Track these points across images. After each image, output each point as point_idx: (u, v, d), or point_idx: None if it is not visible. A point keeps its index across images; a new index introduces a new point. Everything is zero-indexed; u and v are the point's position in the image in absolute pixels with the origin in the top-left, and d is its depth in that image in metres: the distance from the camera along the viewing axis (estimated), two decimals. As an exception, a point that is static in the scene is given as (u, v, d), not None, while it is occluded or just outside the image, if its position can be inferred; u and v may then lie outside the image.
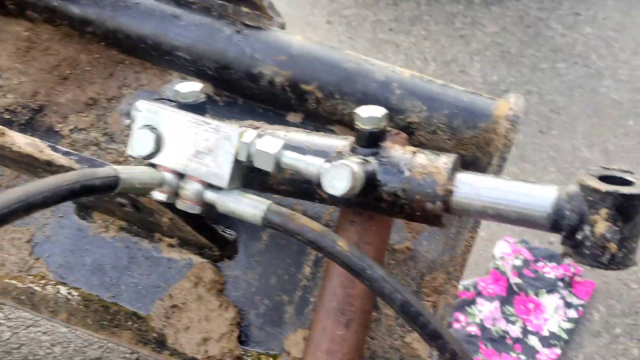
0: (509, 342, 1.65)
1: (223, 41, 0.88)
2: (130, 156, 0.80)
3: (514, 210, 0.61)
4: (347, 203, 0.69)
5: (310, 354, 0.71)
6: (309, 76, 0.86)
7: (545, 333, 1.67)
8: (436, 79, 0.87)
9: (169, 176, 0.69)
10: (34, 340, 1.44)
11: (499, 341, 1.65)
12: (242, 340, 0.86)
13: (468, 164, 0.88)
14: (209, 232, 0.84)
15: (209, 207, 0.71)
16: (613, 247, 0.55)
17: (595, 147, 2.54)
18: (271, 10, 0.90)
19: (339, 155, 0.67)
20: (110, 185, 0.58)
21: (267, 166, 0.64)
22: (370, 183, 0.64)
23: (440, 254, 0.86)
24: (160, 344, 0.84)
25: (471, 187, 0.62)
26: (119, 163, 0.93)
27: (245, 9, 0.90)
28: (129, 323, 0.87)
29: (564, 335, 1.66)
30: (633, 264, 0.58)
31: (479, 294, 1.75)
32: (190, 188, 0.68)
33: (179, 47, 0.89)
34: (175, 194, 0.70)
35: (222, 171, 0.66)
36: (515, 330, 1.68)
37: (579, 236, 0.57)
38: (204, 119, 0.68)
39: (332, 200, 0.69)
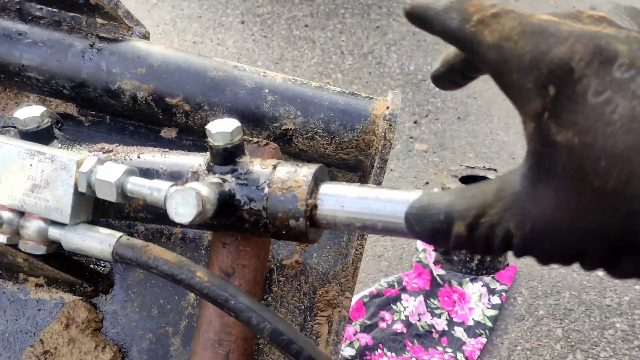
0: (435, 336, 1.65)
1: (75, 57, 0.81)
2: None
3: (379, 220, 0.58)
4: (209, 227, 0.64)
5: (188, 393, 0.66)
6: (173, 88, 0.81)
7: (471, 323, 1.67)
8: (311, 82, 0.83)
9: (6, 215, 0.63)
10: None
11: (425, 336, 1.64)
12: (124, 381, 0.80)
13: (353, 167, 0.85)
14: (74, 267, 0.78)
15: (56, 245, 0.65)
16: None
17: (511, 130, 2.59)
18: (129, 20, 0.84)
19: (194, 175, 0.62)
20: None
21: (110, 196, 0.58)
22: (230, 203, 0.60)
23: (332, 265, 0.83)
24: (28, 398, 0.77)
25: (335, 199, 0.59)
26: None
27: (100, 20, 0.84)
28: (-4, 377, 0.79)
29: (489, 323, 1.67)
30: (503, 267, 0.56)
31: (404, 289, 1.75)
32: (31, 226, 0.62)
33: (27, 67, 0.82)
34: (17, 233, 0.64)
35: (62, 205, 0.60)
36: (440, 323, 1.68)
37: None
38: (38, 149, 0.61)
39: (195, 225, 0.64)
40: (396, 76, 2.97)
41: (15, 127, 0.75)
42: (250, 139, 0.71)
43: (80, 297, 0.81)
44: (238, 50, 3.20)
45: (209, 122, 0.83)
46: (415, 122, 2.62)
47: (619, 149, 0.29)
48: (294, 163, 0.62)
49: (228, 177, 0.60)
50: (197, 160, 0.63)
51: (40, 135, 0.67)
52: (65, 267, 0.75)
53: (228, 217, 0.61)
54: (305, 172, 0.60)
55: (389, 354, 1.58)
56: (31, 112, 0.67)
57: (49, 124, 0.68)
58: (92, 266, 0.82)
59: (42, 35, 0.82)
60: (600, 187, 0.31)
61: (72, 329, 0.78)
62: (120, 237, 0.60)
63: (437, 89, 3.20)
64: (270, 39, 3.32)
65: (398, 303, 1.72)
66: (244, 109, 0.80)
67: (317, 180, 0.60)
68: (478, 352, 1.62)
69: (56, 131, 0.71)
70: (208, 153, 0.63)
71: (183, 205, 0.54)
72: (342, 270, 0.83)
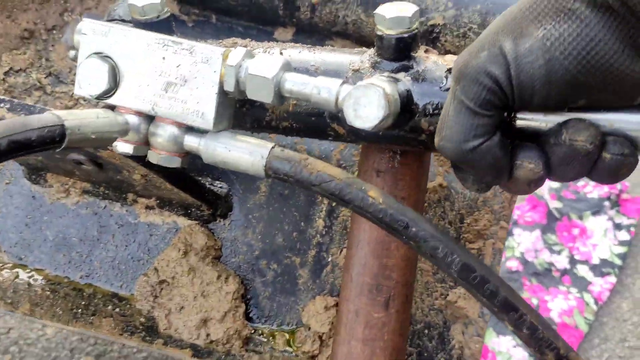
0: (556, 274, 1.59)
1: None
2: (81, 97, 0.70)
3: None
4: (375, 139, 0.59)
5: (343, 344, 0.63)
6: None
7: (596, 261, 1.61)
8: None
9: (134, 119, 0.59)
10: (23, 322, 1.37)
11: (545, 275, 1.60)
12: (250, 316, 0.78)
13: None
14: (194, 186, 0.75)
15: (191, 157, 0.61)
16: None
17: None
18: None
19: (356, 73, 0.57)
20: (54, 139, 0.47)
21: (265, 96, 0.54)
22: (404, 109, 0.55)
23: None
24: (150, 330, 0.77)
25: None
26: (71, 109, 0.83)
27: None
28: (109, 307, 0.79)
29: (617, 261, 1.60)
30: None
31: (516, 223, 1.69)
32: (164, 134, 0.58)
33: (126, -46, 0.77)
34: (145, 142, 0.60)
35: (204, 108, 0.56)
36: (561, 261, 1.62)
37: None
38: (172, 39, 0.57)
39: (353, 137, 0.59)
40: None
41: (123, 20, 0.71)
42: None
43: (196, 221, 0.79)
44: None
45: (338, 17, 0.77)
46: None
47: None
48: None
49: (401, 75, 0.55)
50: (356, 57, 0.58)
51: (160, 27, 0.63)
52: (187, 185, 0.73)
53: (399, 126, 0.55)
54: None
55: (503, 294, 1.54)
56: (149, -1, 0.62)
57: (168, 14, 0.63)
58: (208, 186, 0.79)
59: None
60: None
61: (191, 257, 0.77)
62: (274, 147, 0.55)
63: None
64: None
65: (510, 238, 1.66)
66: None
67: None
68: (607, 293, 1.57)
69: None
70: (371, 49, 0.57)
71: (366, 106, 0.49)
72: (495, 195, 0.78)
